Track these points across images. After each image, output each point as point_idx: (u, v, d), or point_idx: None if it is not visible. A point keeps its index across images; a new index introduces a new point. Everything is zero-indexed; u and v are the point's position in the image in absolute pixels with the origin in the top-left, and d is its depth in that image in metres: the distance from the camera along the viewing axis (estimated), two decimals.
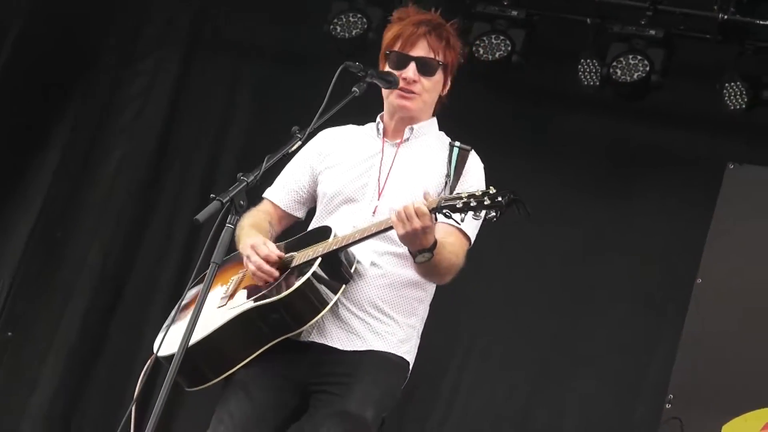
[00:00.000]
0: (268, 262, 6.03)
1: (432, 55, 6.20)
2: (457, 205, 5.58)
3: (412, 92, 6.17)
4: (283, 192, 6.42)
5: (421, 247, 5.72)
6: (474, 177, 6.14)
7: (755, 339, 10.03)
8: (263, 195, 6.40)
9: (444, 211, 5.61)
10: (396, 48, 6.22)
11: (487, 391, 10.94)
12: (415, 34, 6.21)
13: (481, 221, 5.86)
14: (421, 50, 6.19)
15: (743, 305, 10.13)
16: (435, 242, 5.73)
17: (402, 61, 6.19)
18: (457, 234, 5.99)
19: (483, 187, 5.74)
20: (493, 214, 5.54)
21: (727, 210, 10.40)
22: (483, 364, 10.97)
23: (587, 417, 10.62)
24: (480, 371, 10.97)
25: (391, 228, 5.71)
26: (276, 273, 6.04)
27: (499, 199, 5.50)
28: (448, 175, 6.04)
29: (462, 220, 5.70)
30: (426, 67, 6.19)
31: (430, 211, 5.61)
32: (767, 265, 10.21)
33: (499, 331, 10.94)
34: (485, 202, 5.51)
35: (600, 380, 10.67)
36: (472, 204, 5.54)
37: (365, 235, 5.90)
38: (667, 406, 9.99)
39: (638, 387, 10.51)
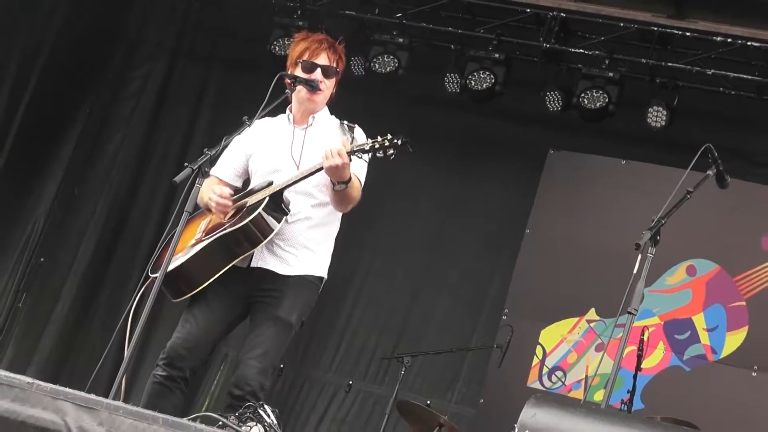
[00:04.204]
0: (222, 196, 6.11)
1: (331, 64, 6.33)
2: (366, 148, 5.84)
3: (319, 89, 6.28)
4: (225, 168, 6.43)
5: (341, 179, 5.87)
6: (361, 140, 6.19)
7: (565, 271, 10.13)
8: (210, 172, 6.26)
9: (357, 152, 5.85)
10: (305, 58, 6.33)
11: (375, 306, 10.97)
12: (319, 48, 6.36)
13: (366, 170, 6.18)
14: (323, 60, 6.32)
15: (557, 248, 10.23)
16: (350, 177, 5.91)
17: (311, 68, 6.30)
18: (356, 177, 6.06)
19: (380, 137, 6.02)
20: (392, 152, 5.80)
21: (548, 182, 10.50)
22: (373, 287, 11.00)
23: (446, 325, 10.66)
24: (371, 292, 11.00)
25: (320, 169, 5.89)
26: (230, 203, 6.14)
27: (396, 140, 5.79)
28: (350, 138, 6.10)
29: (369, 159, 5.97)
30: (328, 72, 6.33)
31: (348, 153, 5.81)
32: (575, 221, 10.30)
33: (386, 265, 10.98)
34: (386, 144, 5.79)
35: (456, 300, 10.73)
36: (376, 146, 5.81)
37: (302, 176, 6.06)
38: (504, 317, 10.07)
39: (481, 305, 10.57)
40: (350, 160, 5.84)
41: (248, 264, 6.17)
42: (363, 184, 6.20)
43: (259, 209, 6.02)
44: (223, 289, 6.15)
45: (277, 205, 6.09)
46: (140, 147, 11.60)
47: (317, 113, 6.38)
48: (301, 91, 6.30)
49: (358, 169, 6.10)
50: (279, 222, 6.06)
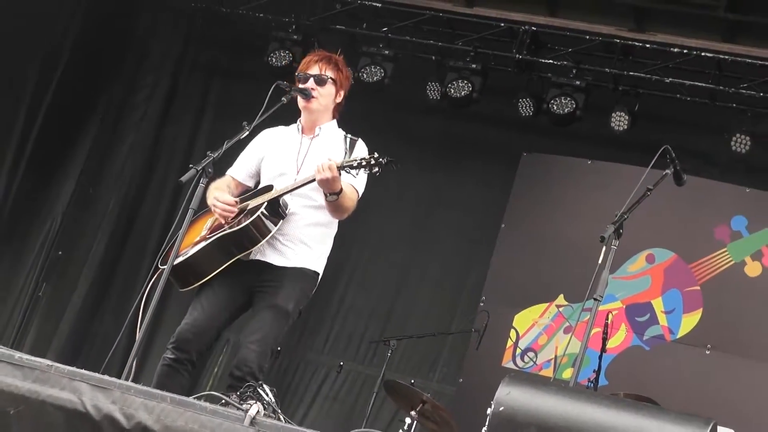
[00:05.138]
0: (227, 203, 6.14)
1: (322, 72, 6.34)
2: (354, 164, 5.82)
3: (312, 96, 6.29)
4: (239, 170, 6.48)
5: (332, 191, 5.89)
6: (361, 154, 6.17)
7: (536, 261, 10.16)
8: (227, 172, 6.44)
9: (345, 167, 5.84)
10: (300, 71, 6.39)
11: (364, 294, 10.99)
12: (312, 60, 6.41)
13: (365, 181, 6.13)
14: (315, 70, 6.34)
15: (530, 241, 10.23)
16: (341, 189, 5.92)
17: (304, 78, 6.34)
18: (352, 189, 6.09)
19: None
20: (377, 169, 5.79)
21: (521, 182, 10.48)
22: (362, 277, 11.01)
23: (429, 311, 10.69)
24: (360, 281, 11.02)
25: (313, 180, 5.90)
26: (233, 209, 6.15)
27: (381, 160, 5.78)
28: (345, 152, 6.16)
29: (357, 175, 5.92)
30: (319, 80, 6.33)
31: (337, 168, 5.81)
32: (546, 217, 10.33)
33: (374, 256, 10.99)
34: (372, 162, 5.78)
35: (437, 288, 10.75)
36: (363, 163, 5.80)
37: (296, 185, 6.08)
38: (481, 304, 10.06)
39: (460, 293, 10.57)
40: (340, 174, 5.85)
41: (251, 257, 6.18)
42: (360, 194, 6.20)
43: (258, 213, 6.06)
44: (229, 281, 6.16)
45: (275, 209, 6.11)
46: (149, 150, 11.58)
47: (323, 125, 6.38)
48: (300, 101, 6.33)
49: (356, 181, 6.10)
50: (276, 225, 6.09)
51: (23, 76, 10.64)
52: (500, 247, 10.33)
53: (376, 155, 5.83)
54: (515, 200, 10.45)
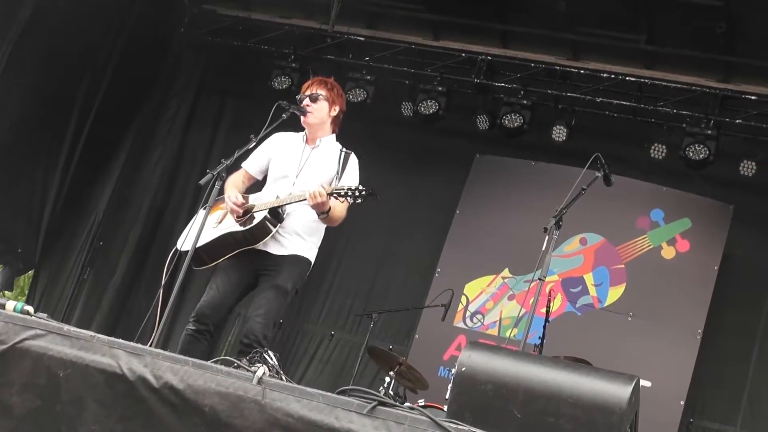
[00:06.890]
0: (235, 204, 6.17)
1: (314, 91, 6.39)
2: (341, 193, 5.85)
3: (308, 112, 6.33)
4: (252, 164, 6.51)
5: (322, 211, 5.96)
6: (351, 171, 6.25)
7: (485, 240, 10.19)
8: (241, 165, 6.47)
9: (334, 194, 5.87)
10: (301, 93, 6.43)
11: (350, 275, 10.98)
12: (308, 85, 6.48)
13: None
14: (309, 91, 6.39)
15: (480, 224, 10.25)
16: (329, 208, 5.96)
17: (301, 99, 6.38)
18: (343, 206, 6.12)
19: (357, 180, 6.10)
20: (360, 200, 5.85)
21: (474, 177, 10.51)
22: (348, 261, 11.00)
23: (401, 286, 10.69)
24: (347, 265, 11.01)
25: (305, 199, 5.93)
26: (239, 210, 6.20)
27: (363, 192, 5.83)
28: (338, 172, 6.18)
29: (343, 201, 5.92)
30: (312, 98, 6.37)
31: (327, 194, 5.88)
32: (494, 205, 10.34)
33: (359, 243, 10.96)
34: (356, 193, 5.82)
35: (411, 269, 10.74)
36: (348, 193, 5.83)
37: (291, 201, 6.10)
38: (437, 275, 10.11)
39: (429, 273, 10.51)
40: (328, 199, 5.90)
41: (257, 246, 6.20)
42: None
43: (261, 218, 6.11)
44: (238, 266, 6.20)
45: (275, 214, 6.15)
46: (174, 158, 11.52)
47: (323, 137, 6.41)
48: (301, 118, 6.36)
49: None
50: (275, 227, 6.14)
51: (72, 98, 10.57)
52: (454, 228, 10.32)
53: (360, 187, 5.86)
54: (468, 192, 10.44)
